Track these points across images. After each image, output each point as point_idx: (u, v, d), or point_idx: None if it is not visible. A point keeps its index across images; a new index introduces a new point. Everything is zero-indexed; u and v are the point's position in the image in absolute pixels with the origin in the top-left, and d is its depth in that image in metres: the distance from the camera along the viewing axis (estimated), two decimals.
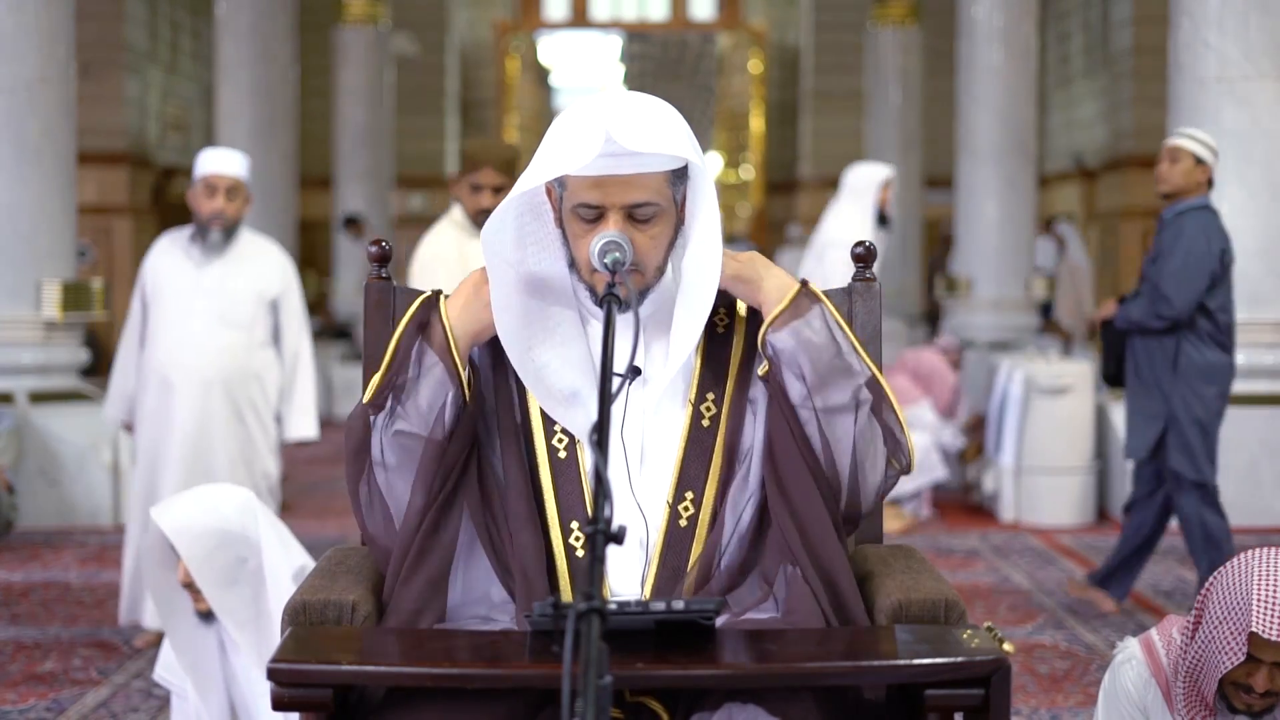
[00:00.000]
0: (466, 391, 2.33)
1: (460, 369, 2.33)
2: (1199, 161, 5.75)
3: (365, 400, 2.35)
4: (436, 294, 2.39)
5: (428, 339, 2.34)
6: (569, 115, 2.31)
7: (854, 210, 7.43)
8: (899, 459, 2.35)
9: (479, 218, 5.12)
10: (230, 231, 5.44)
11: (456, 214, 5.27)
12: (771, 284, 2.35)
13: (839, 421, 2.31)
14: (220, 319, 5.41)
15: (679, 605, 2.07)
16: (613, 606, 2.03)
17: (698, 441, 2.36)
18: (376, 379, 2.34)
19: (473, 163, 5.16)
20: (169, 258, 5.48)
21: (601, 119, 2.24)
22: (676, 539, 2.32)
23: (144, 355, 5.46)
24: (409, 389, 2.33)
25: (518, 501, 2.35)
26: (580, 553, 2.33)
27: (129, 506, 5.65)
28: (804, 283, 2.35)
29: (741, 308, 2.45)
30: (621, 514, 2.29)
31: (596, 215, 2.29)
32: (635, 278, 2.29)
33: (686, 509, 2.33)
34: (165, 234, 5.64)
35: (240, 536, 3.42)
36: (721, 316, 2.43)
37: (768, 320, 2.32)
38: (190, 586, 3.45)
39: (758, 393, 2.38)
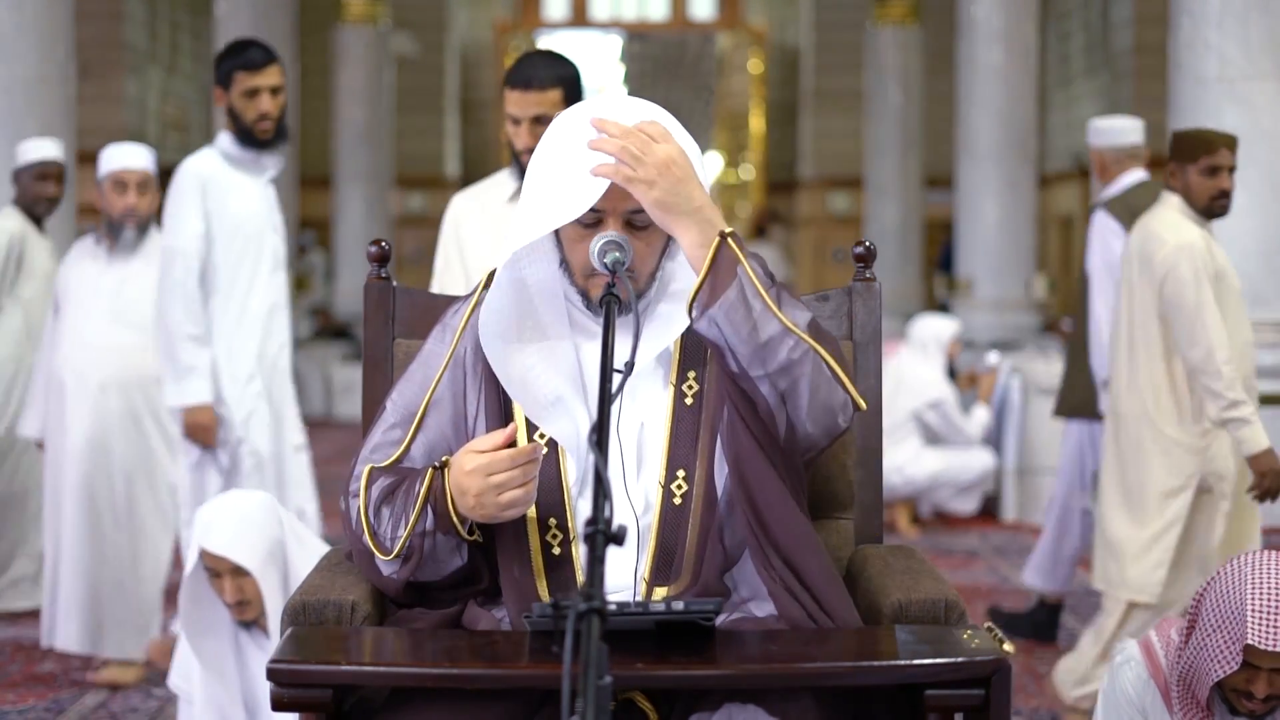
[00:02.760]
0: (481, 539, 2.34)
1: (478, 533, 2.33)
2: None
3: (386, 561, 2.33)
4: (441, 472, 2.29)
5: (439, 514, 2.29)
6: (562, 157, 2.27)
7: (927, 367, 7.69)
8: (846, 407, 2.27)
9: (1217, 203, 4.64)
10: (144, 229, 5.18)
11: (1175, 202, 4.62)
12: (689, 239, 2.22)
13: (779, 380, 2.22)
14: (117, 319, 5.11)
15: (679, 606, 2.07)
16: (613, 607, 2.02)
17: (683, 420, 2.35)
18: (398, 549, 2.30)
19: (1209, 145, 4.70)
20: (77, 259, 5.23)
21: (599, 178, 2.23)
22: (672, 518, 2.32)
23: (50, 362, 5.22)
24: (429, 555, 2.32)
25: None
26: (556, 551, 2.33)
27: (45, 520, 5.26)
28: (722, 236, 2.21)
29: None
30: (618, 512, 2.28)
31: (595, 220, 2.29)
32: (630, 281, 2.28)
33: (680, 487, 2.33)
34: (84, 236, 5.40)
35: (278, 539, 3.46)
36: None
37: (689, 297, 2.22)
38: (241, 603, 3.46)
39: None
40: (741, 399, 2.25)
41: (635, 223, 2.29)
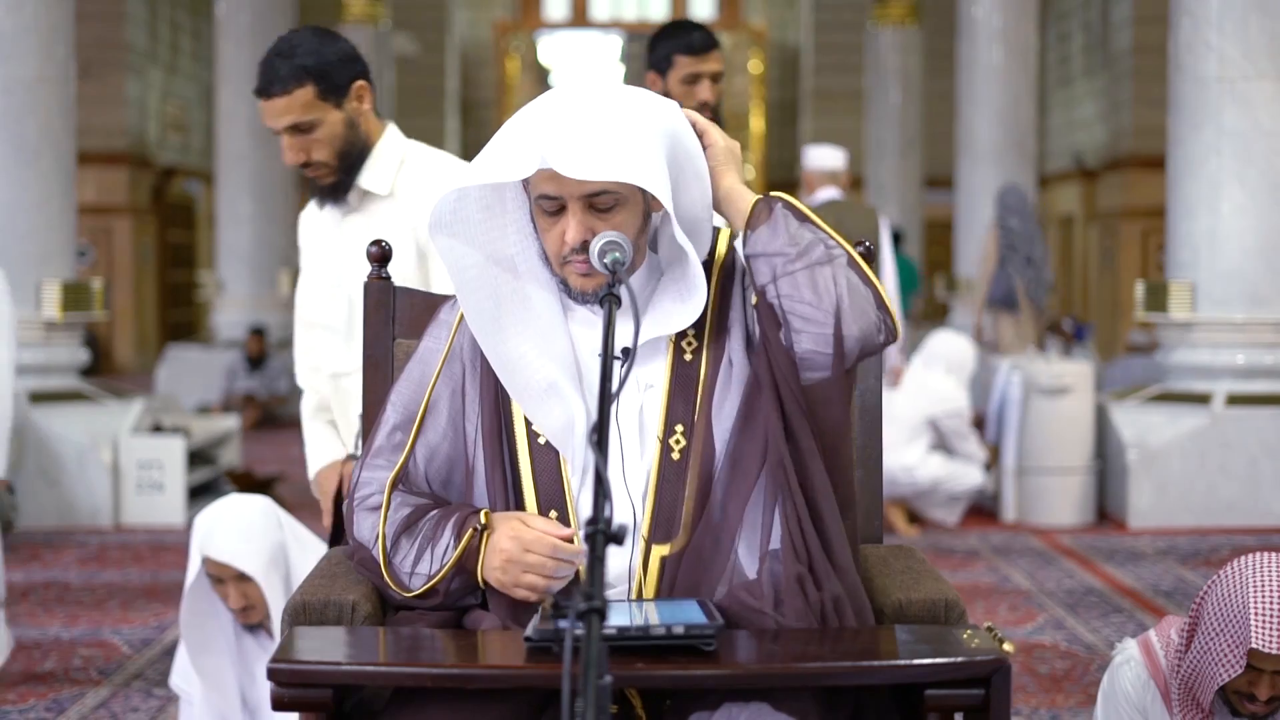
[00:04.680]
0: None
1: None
2: None
3: (403, 597, 2.35)
4: (481, 534, 2.31)
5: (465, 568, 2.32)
6: (516, 123, 2.28)
7: (951, 381, 7.96)
8: (884, 322, 2.31)
9: None
10: None
11: None
12: (725, 192, 2.36)
13: (819, 272, 2.27)
14: None
15: (679, 630, 2.06)
16: (612, 630, 2.03)
17: (680, 376, 2.35)
18: (421, 591, 2.33)
19: None
20: None
21: (538, 144, 2.22)
22: (670, 474, 2.31)
23: None
24: (444, 599, 2.36)
25: (497, 492, 2.35)
26: None
27: None
28: (761, 198, 2.34)
29: (722, 244, 2.43)
30: (618, 507, 2.28)
31: (557, 207, 2.28)
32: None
33: (678, 442, 2.32)
34: None
35: (280, 543, 3.46)
36: None
37: (740, 239, 2.33)
38: (246, 609, 3.46)
39: (736, 316, 2.37)
40: (789, 368, 2.27)
41: (599, 205, 2.27)
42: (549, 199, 2.27)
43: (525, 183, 2.33)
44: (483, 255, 2.36)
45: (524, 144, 2.23)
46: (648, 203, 2.32)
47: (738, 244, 2.36)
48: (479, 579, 2.30)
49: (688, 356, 2.36)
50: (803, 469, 2.29)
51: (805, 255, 2.27)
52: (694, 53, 4.34)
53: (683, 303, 2.32)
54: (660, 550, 2.28)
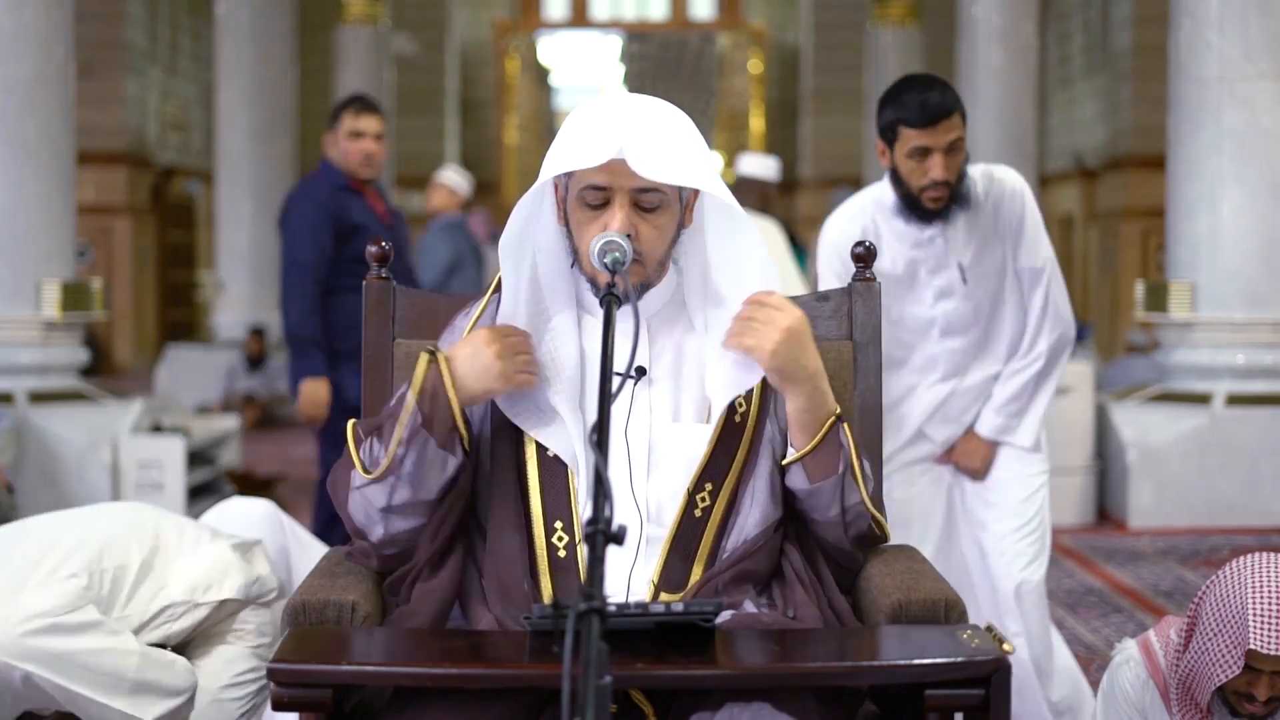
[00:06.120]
0: (467, 447, 2.33)
1: (465, 438, 2.32)
2: (453, 192, 8.63)
3: (368, 479, 2.30)
4: (434, 353, 2.31)
5: (429, 413, 2.28)
6: (585, 116, 2.30)
7: None
8: (874, 531, 2.44)
9: None
10: None
11: None
12: (797, 404, 2.32)
13: (851, 526, 2.41)
14: None
15: (678, 607, 2.07)
16: (612, 608, 2.02)
17: (728, 435, 2.36)
18: (385, 464, 2.28)
19: None
20: None
21: (618, 136, 2.24)
22: (689, 528, 2.33)
23: None
24: (412, 470, 2.29)
25: (503, 501, 2.35)
26: (562, 553, 2.33)
27: None
28: (837, 419, 2.33)
29: None
30: (619, 516, 2.28)
31: (603, 200, 2.28)
32: (636, 270, 2.29)
33: (703, 499, 2.34)
34: None
35: (282, 546, 3.46)
36: None
37: (789, 460, 2.35)
38: None
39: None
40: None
41: (643, 204, 2.28)
42: (596, 190, 2.27)
43: (563, 189, 2.34)
44: (527, 269, 2.36)
45: (601, 135, 2.24)
46: (681, 217, 2.35)
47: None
48: (454, 413, 2.27)
49: (737, 418, 2.37)
50: (808, 547, 2.40)
51: (846, 516, 2.37)
52: (921, 124, 3.59)
53: (746, 371, 2.34)
54: (669, 598, 2.30)
